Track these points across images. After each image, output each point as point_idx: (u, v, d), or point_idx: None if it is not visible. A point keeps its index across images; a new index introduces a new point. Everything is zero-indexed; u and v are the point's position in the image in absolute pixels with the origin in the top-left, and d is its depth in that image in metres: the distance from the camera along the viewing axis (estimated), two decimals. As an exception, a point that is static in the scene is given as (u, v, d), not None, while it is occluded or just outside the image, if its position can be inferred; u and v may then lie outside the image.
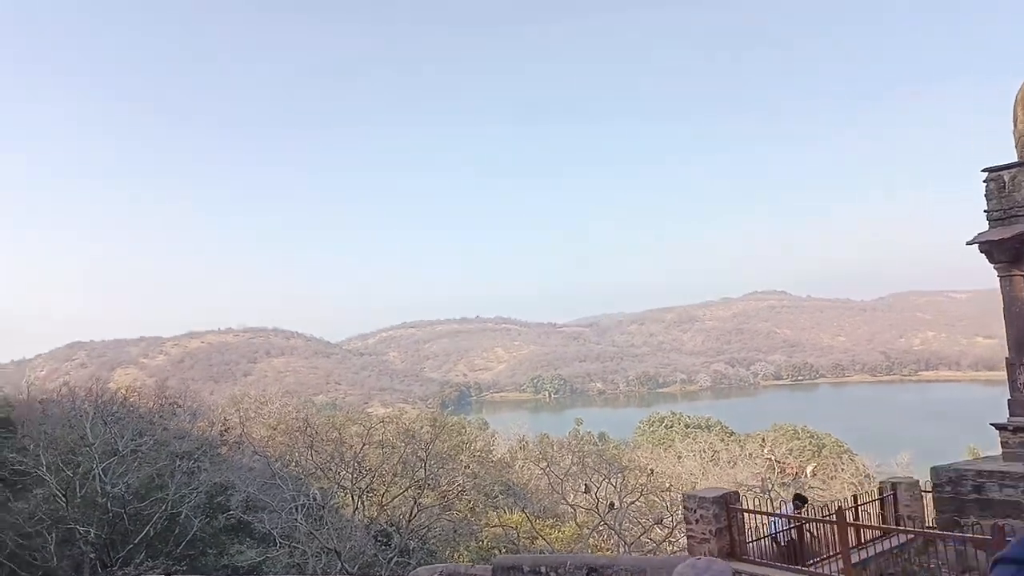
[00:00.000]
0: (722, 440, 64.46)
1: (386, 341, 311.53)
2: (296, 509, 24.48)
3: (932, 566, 10.34)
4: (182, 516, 23.89)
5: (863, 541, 11.52)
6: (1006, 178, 10.66)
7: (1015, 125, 11.29)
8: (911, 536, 11.85)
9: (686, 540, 10.95)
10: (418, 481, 26.41)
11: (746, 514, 10.50)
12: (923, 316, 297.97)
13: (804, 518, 11.19)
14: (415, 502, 25.20)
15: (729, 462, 49.49)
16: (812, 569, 9.83)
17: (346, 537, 24.97)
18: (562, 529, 30.13)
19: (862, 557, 10.88)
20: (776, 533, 10.88)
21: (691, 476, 39.08)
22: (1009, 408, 10.85)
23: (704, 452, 52.04)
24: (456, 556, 26.43)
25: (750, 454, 55.63)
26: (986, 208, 10.97)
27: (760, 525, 10.70)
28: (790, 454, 65.87)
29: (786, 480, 49.21)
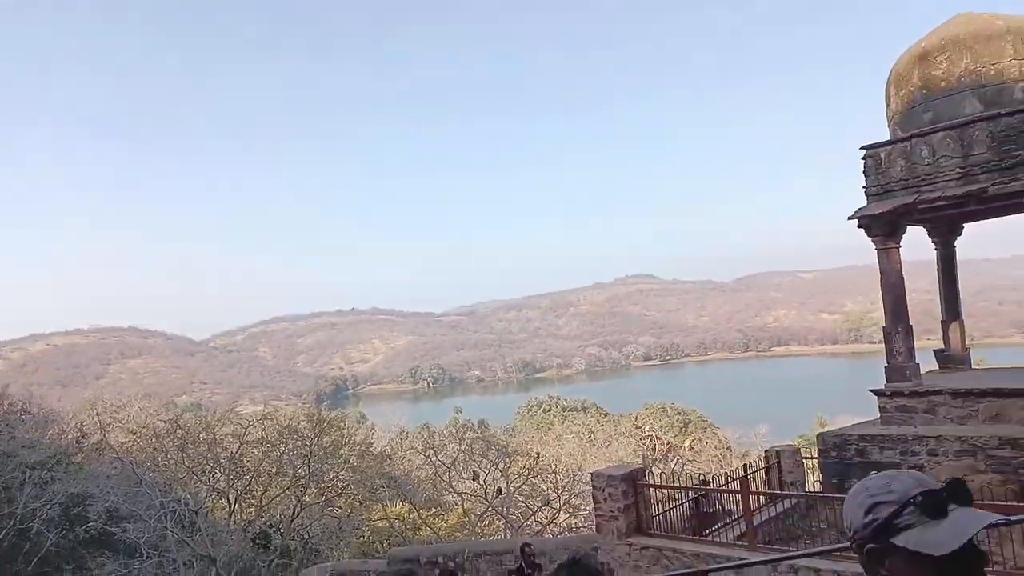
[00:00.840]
0: (598, 421, 66.77)
1: (256, 337, 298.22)
2: (165, 516, 22.98)
3: (814, 528, 11.05)
4: (33, 531, 21.85)
5: (752, 509, 12.19)
6: (882, 155, 11.49)
7: (888, 105, 12.20)
8: (795, 501, 12.69)
9: (594, 518, 11.15)
10: (300, 479, 25.49)
11: (652, 489, 10.83)
12: (776, 295, 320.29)
13: (709, 488, 11.70)
14: (298, 500, 24.32)
15: (605, 442, 51.26)
16: (711, 537, 10.30)
17: (221, 542, 23.76)
18: (446, 518, 30.09)
19: (753, 523, 11.50)
20: (683, 504, 11.29)
21: (570, 458, 40.05)
22: (886, 375, 11.74)
23: (582, 434, 53.63)
24: (339, 553, 25.78)
25: (624, 433, 57.98)
26: (864, 184, 11.78)
27: (663, 499, 11.03)
28: (660, 430, 69.03)
29: (657, 456, 51.61)
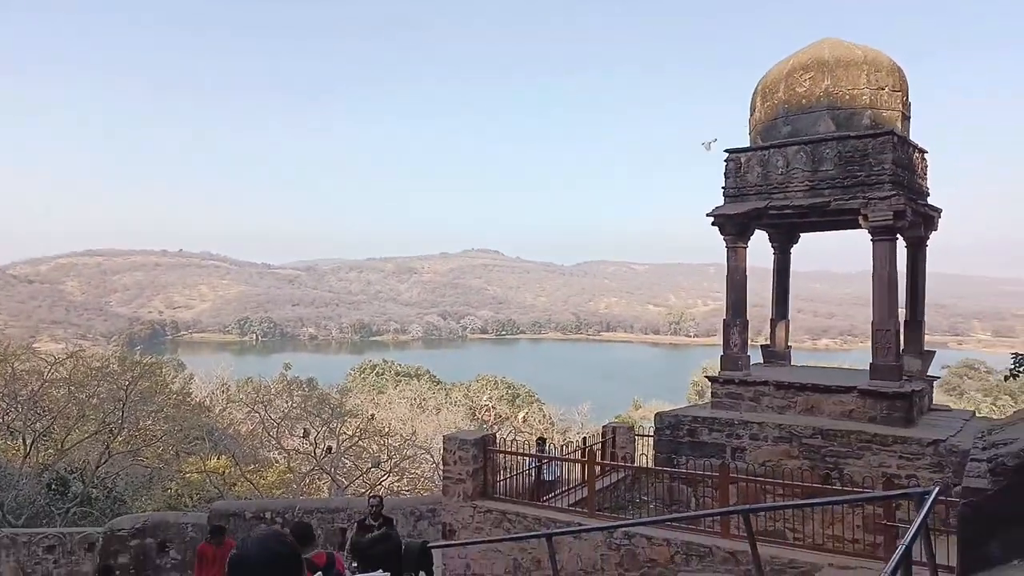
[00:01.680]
0: (430, 388, 67.31)
1: (63, 268, 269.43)
2: (-57, 454, 20.47)
3: (638, 500, 11.74)
4: None
5: (585, 479, 12.73)
6: (742, 160, 12.24)
7: (752, 113, 12.98)
8: (624, 473, 13.39)
9: (441, 480, 11.13)
10: (110, 424, 23.50)
11: (499, 455, 10.98)
12: (609, 283, 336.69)
13: (556, 457, 12.05)
14: (106, 447, 22.41)
15: (435, 409, 51.84)
16: (550, 503, 10.64)
17: (11, 485, 21.55)
18: (265, 475, 29.02)
19: (583, 494, 12.02)
20: (526, 471, 11.54)
21: (402, 423, 40.06)
22: (721, 363, 12.63)
23: (414, 399, 53.78)
24: (143, 505, 24.13)
25: (455, 401, 58.90)
26: (723, 185, 12.51)
27: (509, 465, 11.24)
28: (493, 401, 70.88)
29: (491, 426, 53.00)
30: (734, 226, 12.35)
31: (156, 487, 25.88)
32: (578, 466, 12.95)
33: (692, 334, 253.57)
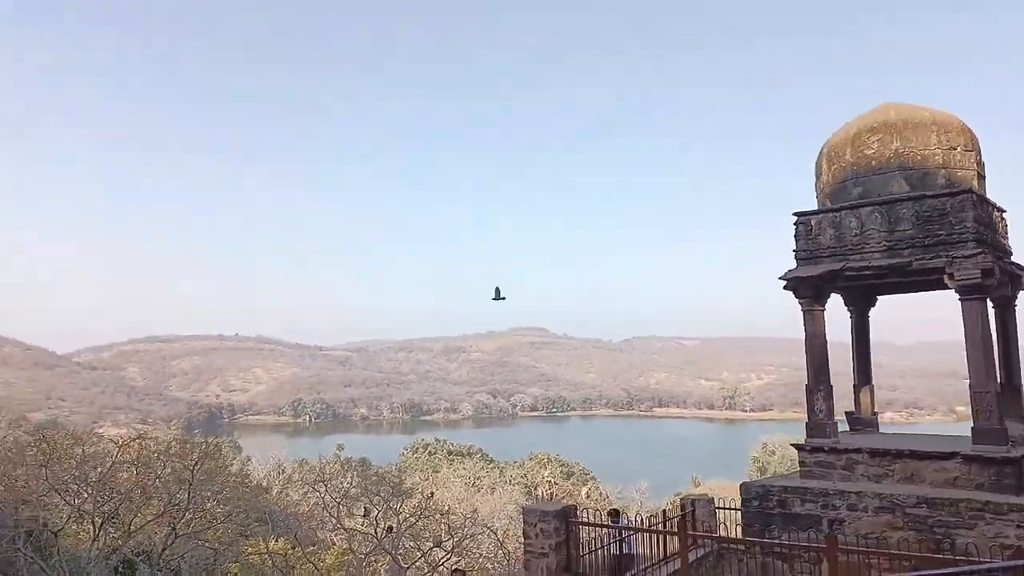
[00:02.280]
0: (483, 467, 66.50)
1: (125, 355, 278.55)
2: (18, 537, 20.75)
3: None
4: None
5: (667, 554, 12.26)
6: (813, 223, 12.20)
7: (819, 177, 13.01)
8: (707, 550, 12.88)
9: (523, 555, 10.85)
10: (176, 506, 23.65)
11: (580, 528, 10.69)
12: (659, 359, 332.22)
13: (645, 528, 11.68)
14: (173, 528, 22.49)
15: (490, 488, 51.07)
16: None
17: (80, 570, 21.65)
18: (323, 557, 28.68)
19: (669, 570, 11.54)
20: (608, 545, 11.19)
21: (457, 502, 39.48)
22: (807, 431, 12.22)
23: (468, 478, 53.14)
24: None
25: (509, 480, 57.98)
26: (795, 248, 12.42)
27: (590, 539, 10.92)
28: (551, 478, 69.42)
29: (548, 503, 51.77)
30: (808, 289, 12.17)
31: (217, 570, 25.77)
32: (657, 542, 12.49)
33: (747, 408, 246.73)
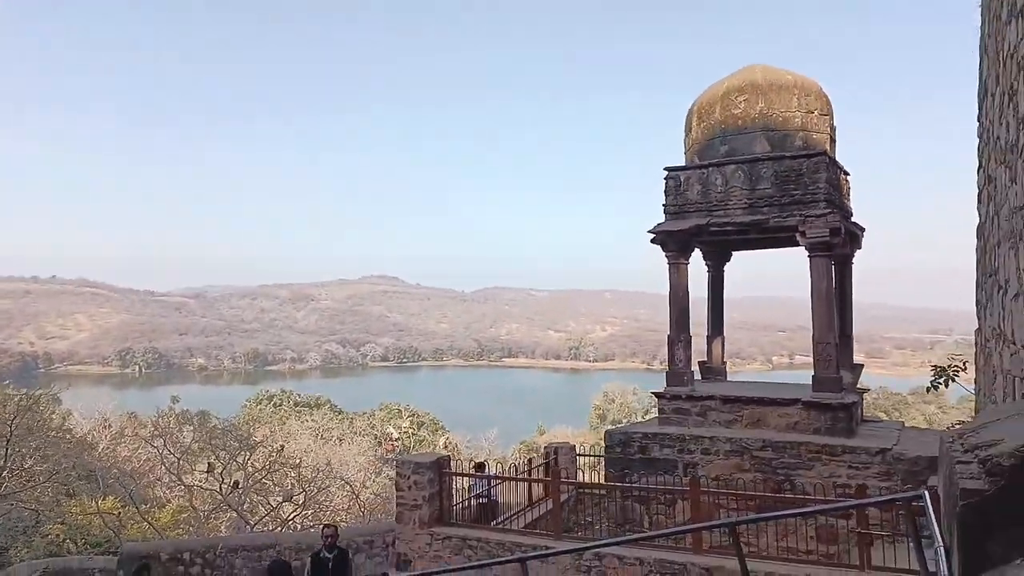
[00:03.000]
0: (331, 418, 65.30)
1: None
2: None
3: (583, 521, 11.52)
4: None
5: (531, 501, 12.40)
6: (682, 178, 12.45)
7: (688, 133, 13.26)
8: (568, 495, 13.20)
9: (395, 507, 10.48)
10: (-11, 465, 21.20)
11: (453, 478, 10.48)
12: (510, 309, 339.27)
13: (516, 477, 11.63)
14: (-11, 490, 20.15)
15: (338, 439, 50.22)
16: (504, 525, 10.24)
17: None
18: (157, 515, 26.99)
19: (534, 515, 11.68)
20: (481, 494, 11.08)
21: (304, 453, 38.50)
22: (667, 379, 12.67)
23: (317, 430, 51.88)
24: (22, 554, 21.90)
25: (359, 431, 57.33)
26: (664, 203, 12.64)
27: (457, 490, 10.78)
28: (400, 430, 69.42)
29: (390, 455, 51.83)
30: (676, 243, 12.54)
31: (34, 533, 23.51)
32: (523, 488, 12.64)
33: (591, 359, 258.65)
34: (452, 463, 11.12)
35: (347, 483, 29.97)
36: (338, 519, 29.40)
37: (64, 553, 21.87)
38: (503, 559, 8.39)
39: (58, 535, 23.73)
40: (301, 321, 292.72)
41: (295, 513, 27.45)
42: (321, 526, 9.43)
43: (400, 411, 78.65)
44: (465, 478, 11.68)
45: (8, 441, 21.35)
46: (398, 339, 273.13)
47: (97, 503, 25.12)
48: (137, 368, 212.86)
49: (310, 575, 8.59)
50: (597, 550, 8.80)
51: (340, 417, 68.23)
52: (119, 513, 25.11)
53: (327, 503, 29.81)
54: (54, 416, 42.15)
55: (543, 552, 8.09)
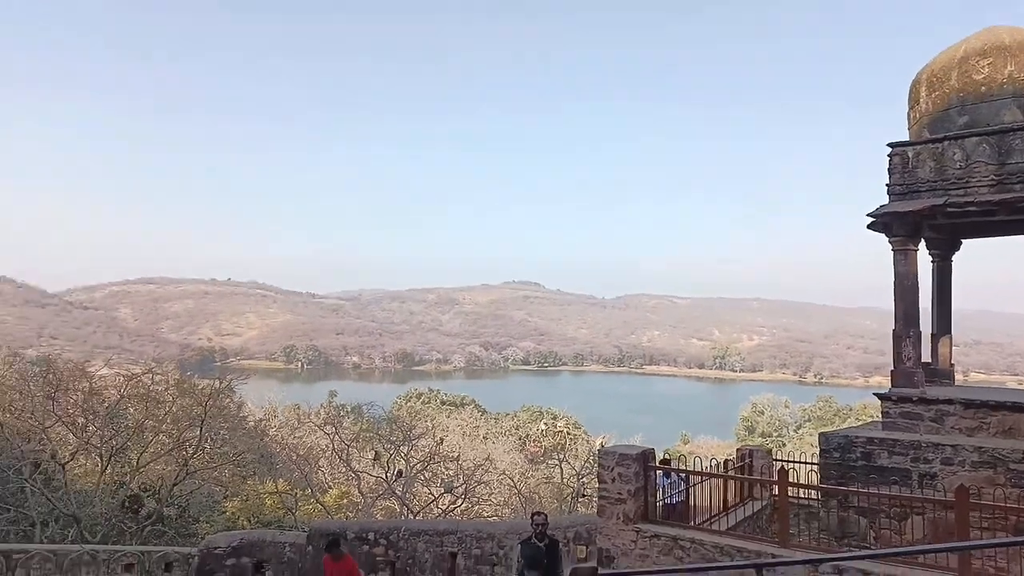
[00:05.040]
0: (476, 418, 66.42)
1: (118, 296, 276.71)
2: (25, 468, 20.03)
3: (798, 531, 10.47)
4: None
5: (726, 506, 11.50)
6: (910, 154, 11.12)
7: (916, 105, 11.89)
8: (765, 502, 12.16)
9: (597, 501, 10.00)
10: (187, 442, 22.88)
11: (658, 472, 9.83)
12: (651, 316, 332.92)
13: (735, 476, 10.86)
14: (185, 464, 21.72)
15: (485, 437, 50.85)
16: (705, 526, 9.45)
17: (87, 502, 21.02)
18: (324, 498, 28.11)
19: (730, 522, 10.79)
20: (673, 494, 10.38)
21: (454, 449, 39.11)
22: (892, 379, 11.37)
23: (465, 427, 52.82)
24: (204, 528, 23.45)
25: (504, 431, 57.86)
26: (888, 182, 11.35)
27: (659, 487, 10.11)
28: (548, 432, 69.41)
29: (541, 456, 51.72)
30: (904, 226, 11.15)
31: (216, 509, 25.21)
32: (710, 491, 11.67)
33: (737, 369, 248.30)
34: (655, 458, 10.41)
35: (508, 476, 29.99)
36: (498, 512, 29.51)
37: (238, 528, 23.31)
38: (734, 564, 7.62)
39: (234, 513, 25.37)
40: (446, 324, 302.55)
41: (454, 504, 27.83)
42: (531, 513, 9.04)
43: (542, 413, 78.83)
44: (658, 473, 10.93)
45: (203, 421, 22.92)
46: (538, 343, 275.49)
47: (275, 484, 26.63)
48: (299, 364, 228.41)
49: (520, 562, 8.19)
50: (838, 563, 7.79)
51: (485, 417, 69.44)
52: (295, 493, 26.49)
53: (486, 496, 30.02)
54: (231, 404, 45.67)
55: (781, 560, 7.21)
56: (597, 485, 10.00)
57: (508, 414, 76.83)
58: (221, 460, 26.02)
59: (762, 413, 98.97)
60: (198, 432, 23.29)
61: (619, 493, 9.50)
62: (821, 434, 11.31)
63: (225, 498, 26.03)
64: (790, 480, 9.11)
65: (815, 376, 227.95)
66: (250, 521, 24.29)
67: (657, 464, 10.14)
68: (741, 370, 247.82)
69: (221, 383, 25.57)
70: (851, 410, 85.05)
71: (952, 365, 13.17)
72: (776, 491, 11.17)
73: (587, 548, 11.23)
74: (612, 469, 9.61)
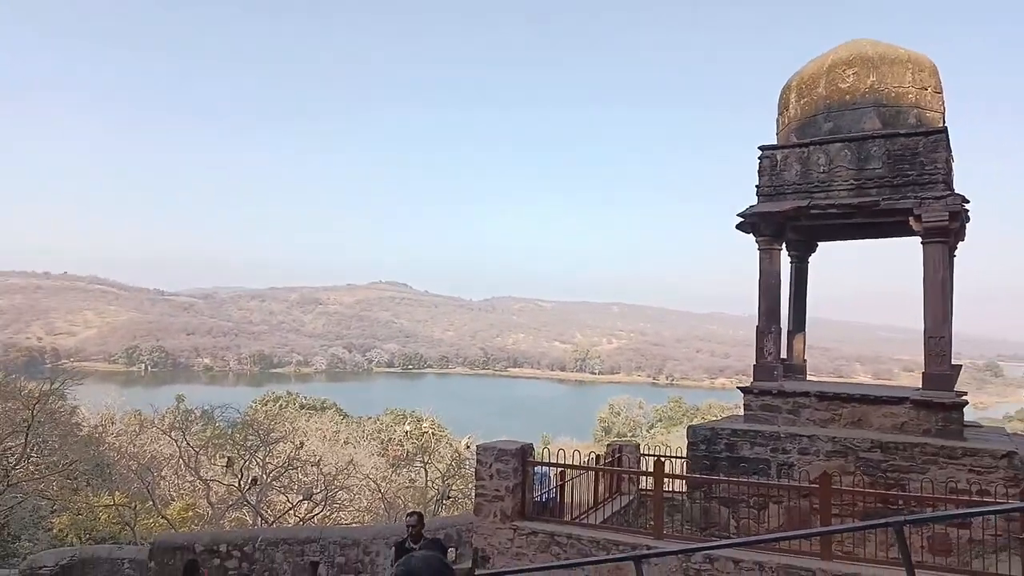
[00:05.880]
0: (338, 422, 64.47)
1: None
2: None
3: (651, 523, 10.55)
4: None
5: (597, 500, 11.47)
6: (778, 157, 11.53)
7: (784, 110, 12.35)
8: (632, 496, 12.25)
9: (474, 499, 9.52)
10: (11, 450, 20.31)
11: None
12: (517, 319, 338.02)
13: (616, 469, 10.65)
14: (6, 475, 19.26)
15: (346, 442, 49.35)
16: (580, 521, 9.28)
17: None
18: (165, 511, 26.02)
19: (602, 517, 10.74)
20: (546, 491, 10.12)
21: (313, 455, 37.60)
22: (754, 373, 11.73)
23: (325, 431, 51.00)
24: (30, 544, 21.02)
25: (367, 435, 56.45)
26: (757, 184, 11.71)
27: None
28: (407, 436, 68.26)
29: (401, 459, 50.85)
30: (770, 226, 11.60)
31: (40, 525, 22.64)
32: (589, 485, 11.63)
33: (597, 371, 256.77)
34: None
35: (373, 480, 28.99)
36: (360, 518, 28.43)
37: (70, 543, 20.99)
38: (611, 558, 7.45)
39: (62, 529, 22.86)
40: (308, 325, 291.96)
41: (314, 512, 26.53)
42: (406, 515, 8.46)
43: (405, 416, 77.79)
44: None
45: (29, 428, 20.45)
46: (404, 345, 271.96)
47: (111, 497, 24.21)
48: (143, 366, 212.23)
49: (394, 569, 7.59)
50: (708, 552, 7.82)
51: (346, 420, 67.47)
52: (135, 506, 24.23)
53: (348, 502, 28.87)
54: (63, 409, 41.42)
55: (658, 551, 7.11)
56: (474, 482, 9.59)
57: (371, 417, 75.14)
58: (49, 471, 23.38)
59: (618, 414, 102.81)
60: (23, 439, 20.73)
61: (497, 490, 9.15)
62: (689, 427, 11.55)
63: (53, 512, 23.43)
64: (665, 472, 9.08)
65: (667, 378, 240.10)
66: (81, 538, 21.95)
67: (535, 460, 9.86)
68: (600, 372, 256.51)
69: (51, 385, 22.85)
70: (698, 410, 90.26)
71: (805, 361, 13.90)
72: (651, 483, 11.23)
73: (456, 550, 10.80)
74: (490, 465, 9.24)
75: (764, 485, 9.47)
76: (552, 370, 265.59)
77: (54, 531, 22.57)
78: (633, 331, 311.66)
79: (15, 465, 20.03)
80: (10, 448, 20.64)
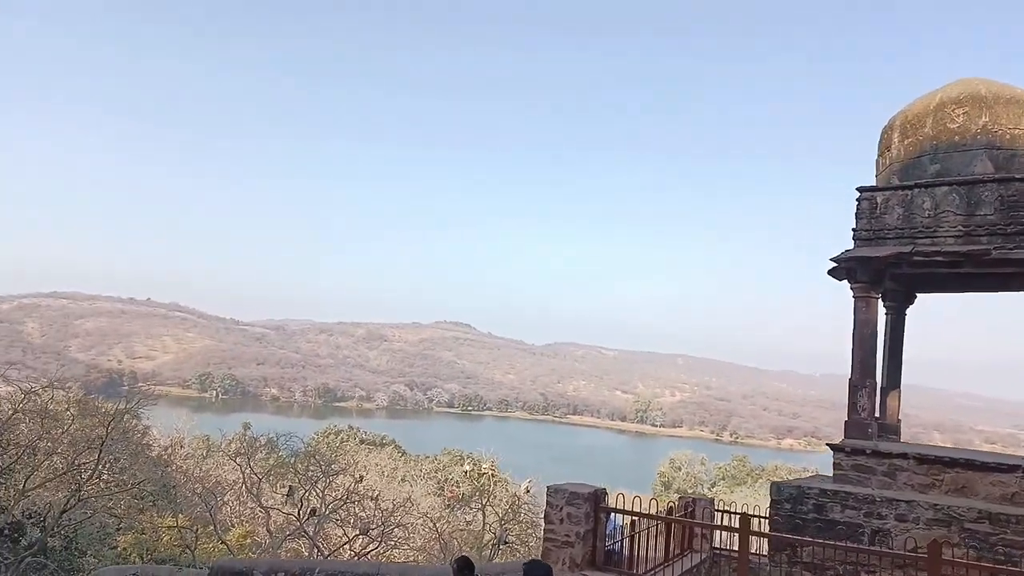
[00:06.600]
0: (396, 459, 64.49)
1: (26, 309, 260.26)
2: None
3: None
4: None
5: (670, 557, 10.77)
6: (879, 199, 10.91)
7: (886, 151, 11.76)
8: (704, 556, 11.50)
9: (542, 544, 9.04)
10: (84, 466, 20.75)
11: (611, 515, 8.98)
12: (578, 366, 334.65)
13: (696, 522, 10.05)
14: (78, 490, 19.62)
15: (403, 479, 49.08)
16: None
17: (-42, 529, 18.67)
18: (227, 536, 26.10)
19: (675, 573, 10.05)
20: (616, 540, 9.53)
21: (371, 489, 37.42)
22: (846, 430, 10.94)
23: (383, 468, 50.97)
24: (95, 561, 21.26)
25: (425, 474, 56.14)
26: (855, 227, 11.09)
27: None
28: (465, 477, 67.70)
29: (458, 500, 50.17)
30: (868, 272, 10.89)
31: (104, 543, 22.93)
32: (660, 539, 10.93)
33: (658, 424, 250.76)
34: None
35: (430, 519, 28.52)
36: (415, 557, 27.93)
37: (136, 562, 21.16)
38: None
39: (126, 547, 23.11)
40: (373, 360, 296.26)
41: (368, 548, 26.20)
42: (453, 559, 8.04)
43: (463, 457, 77.24)
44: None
45: (103, 443, 20.90)
46: (465, 386, 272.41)
47: (175, 518, 24.47)
48: (214, 393, 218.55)
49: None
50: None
51: (404, 458, 67.43)
52: (196, 529, 24.40)
53: (404, 539, 28.45)
54: (136, 429, 42.65)
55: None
56: (543, 525, 9.08)
57: (428, 456, 74.96)
58: (118, 488, 23.80)
59: (679, 469, 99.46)
60: (96, 456, 21.18)
61: (567, 535, 8.64)
62: (773, 484, 10.77)
63: (118, 530, 23.76)
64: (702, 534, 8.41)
65: (731, 435, 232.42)
66: (143, 558, 22.15)
67: (608, 506, 9.31)
68: (661, 425, 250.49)
69: (128, 404, 23.41)
70: (763, 470, 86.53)
71: (899, 421, 12.93)
72: (727, 541, 10.48)
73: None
74: (561, 508, 8.75)
75: (863, 551, 8.64)
76: (612, 419, 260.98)
77: (118, 549, 22.87)
78: (698, 384, 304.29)
79: (87, 480, 20.38)
80: (84, 464, 21.05)
